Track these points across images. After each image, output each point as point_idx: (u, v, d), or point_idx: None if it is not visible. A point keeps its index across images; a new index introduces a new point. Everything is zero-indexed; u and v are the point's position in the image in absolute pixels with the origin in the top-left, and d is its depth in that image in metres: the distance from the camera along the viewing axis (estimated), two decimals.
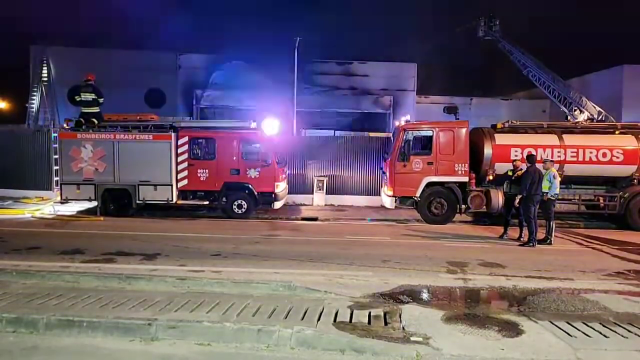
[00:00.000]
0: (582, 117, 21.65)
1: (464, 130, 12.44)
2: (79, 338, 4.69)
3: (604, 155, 12.14)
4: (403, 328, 4.87)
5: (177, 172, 12.75)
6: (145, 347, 4.55)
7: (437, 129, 12.55)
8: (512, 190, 10.42)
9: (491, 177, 12.27)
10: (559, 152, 12.17)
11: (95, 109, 13.12)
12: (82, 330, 4.74)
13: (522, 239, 10.10)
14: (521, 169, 10.39)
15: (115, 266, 7.40)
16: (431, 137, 12.48)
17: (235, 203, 12.83)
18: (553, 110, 27.04)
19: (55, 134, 13.21)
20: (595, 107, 22.16)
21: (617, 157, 12.14)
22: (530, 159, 10.11)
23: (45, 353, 4.39)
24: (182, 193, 12.95)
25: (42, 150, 15.57)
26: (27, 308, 5.12)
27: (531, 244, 9.67)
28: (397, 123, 13.77)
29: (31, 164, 15.74)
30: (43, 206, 13.78)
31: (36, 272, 6.60)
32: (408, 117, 13.65)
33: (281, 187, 13.28)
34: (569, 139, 12.36)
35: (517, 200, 10.01)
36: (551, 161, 10.60)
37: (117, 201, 12.77)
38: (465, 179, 12.33)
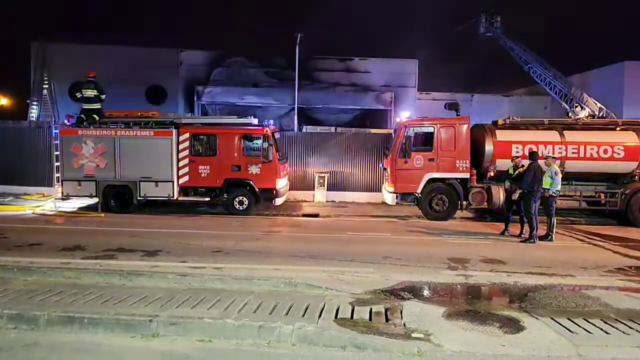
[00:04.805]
0: (583, 114, 21.60)
1: (465, 127, 12.41)
2: (80, 334, 4.69)
3: (605, 151, 12.12)
4: (404, 324, 4.87)
5: (178, 169, 12.74)
6: (146, 343, 4.55)
7: (438, 125, 12.52)
8: (513, 187, 10.40)
9: (492, 174, 12.25)
10: (560, 148, 12.14)
11: (96, 106, 13.11)
12: (83, 327, 4.75)
13: (523, 236, 10.09)
14: (522, 166, 10.37)
15: (116, 262, 7.41)
16: (432, 133, 12.46)
17: (237, 199, 12.82)
18: (554, 107, 26.98)
19: (56, 131, 13.18)
20: (596, 104, 22.11)
21: (618, 154, 12.11)
22: (533, 155, 10.08)
23: (46, 349, 4.40)
24: (183, 189, 12.95)
25: (43, 147, 15.55)
26: (28, 304, 5.12)
27: (532, 241, 9.66)
28: (398, 119, 13.75)
29: (32, 160, 15.72)
30: (44, 202, 13.78)
31: (37, 268, 6.61)
32: (409, 114, 13.62)
33: (282, 183, 13.26)
34: (570, 136, 12.34)
35: (516, 195, 10.02)
36: (553, 158, 10.58)
37: (118, 197, 12.77)
38: (467, 175, 12.32)
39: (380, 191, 14.63)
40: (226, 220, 12.17)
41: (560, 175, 10.11)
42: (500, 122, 12.89)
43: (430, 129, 12.53)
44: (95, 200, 12.94)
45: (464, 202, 12.46)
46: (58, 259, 7.50)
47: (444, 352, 4.29)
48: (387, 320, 5.00)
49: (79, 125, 12.96)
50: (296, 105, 22.33)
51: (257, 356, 4.34)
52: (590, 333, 4.78)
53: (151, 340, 4.60)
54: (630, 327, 4.93)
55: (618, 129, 12.72)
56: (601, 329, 4.88)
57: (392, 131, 15.26)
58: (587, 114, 21.48)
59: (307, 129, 20.30)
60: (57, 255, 7.82)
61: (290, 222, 12.34)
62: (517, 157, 10.99)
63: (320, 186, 15.60)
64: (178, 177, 12.75)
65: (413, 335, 4.59)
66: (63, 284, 5.97)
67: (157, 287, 5.92)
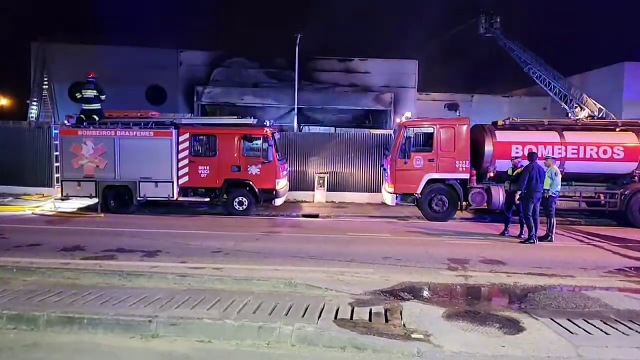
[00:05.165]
0: (582, 114, 21.61)
1: (464, 127, 12.41)
2: (80, 335, 4.69)
3: (605, 152, 12.13)
4: (404, 325, 4.87)
5: (178, 169, 12.74)
6: (146, 344, 4.55)
7: (438, 125, 12.52)
8: (512, 187, 10.44)
9: (492, 174, 12.26)
10: (559, 149, 12.15)
11: (96, 106, 13.12)
12: (83, 327, 4.74)
13: (522, 236, 10.09)
14: (520, 166, 10.39)
15: (116, 263, 7.40)
16: (432, 133, 12.46)
17: (236, 200, 12.82)
18: (554, 108, 27.00)
19: (56, 131, 13.18)
20: (595, 104, 22.13)
21: (618, 154, 12.12)
22: (531, 156, 10.10)
23: (46, 350, 4.40)
24: (183, 190, 12.95)
25: (43, 147, 15.54)
26: (27, 305, 5.12)
27: (532, 241, 9.66)
28: (397, 120, 13.75)
29: (32, 160, 15.71)
30: (44, 203, 13.78)
31: (37, 268, 6.60)
32: (409, 114, 13.62)
33: (282, 184, 13.26)
34: (569, 136, 12.35)
35: (517, 197, 10.03)
36: (553, 158, 10.59)
37: (117, 198, 12.76)
38: (466, 175, 12.32)
39: (380, 192, 14.63)
40: (226, 220, 12.16)
41: (560, 176, 10.13)
42: (500, 122, 12.90)
43: (430, 130, 12.53)
44: (95, 200, 12.94)
45: (464, 203, 12.46)
46: (57, 259, 7.50)
47: (443, 352, 4.29)
48: (386, 320, 5.00)
49: (78, 126, 12.96)
50: (296, 106, 22.32)
51: (256, 357, 4.34)
52: (590, 334, 4.78)
53: (151, 340, 4.60)
54: (630, 328, 4.94)
55: (617, 129, 12.73)
56: (601, 330, 4.88)
57: (391, 132, 15.27)
58: (586, 115, 21.49)
59: (307, 129, 20.33)
60: (57, 255, 7.81)
61: (290, 222, 12.33)
62: (517, 157, 11.01)
63: (320, 186, 15.60)
64: (178, 178, 12.75)
65: (413, 336, 4.59)
66: (62, 285, 5.96)
67: (156, 288, 5.92)
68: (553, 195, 9.96)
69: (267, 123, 13.17)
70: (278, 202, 13.13)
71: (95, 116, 12.99)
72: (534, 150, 10.97)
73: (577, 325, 4.98)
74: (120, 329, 4.72)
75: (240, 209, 12.81)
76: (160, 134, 12.71)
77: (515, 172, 10.47)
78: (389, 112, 24.76)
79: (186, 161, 12.79)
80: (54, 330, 4.75)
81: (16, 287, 5.81)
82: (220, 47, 25.94)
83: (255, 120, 13.41)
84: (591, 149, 12.15)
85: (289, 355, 4.37)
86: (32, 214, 12.60)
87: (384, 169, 13.74)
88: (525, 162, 10.23)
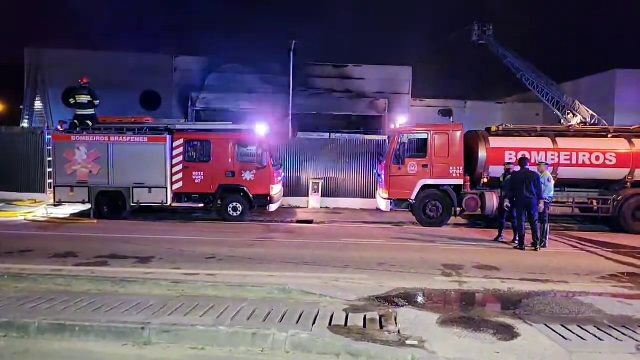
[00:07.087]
0: (575, 121, 21.82)
1: (458, 133, 12.49)
2: (71, 342, 4.63)
3: (597, 158, 12.23)
4: (398, 331, 4.86)
5: (172, 175, 12.70)
6: (139, 351, 4.50)
7: (432, 132, 12.59)
8: (502, 193, 10.59)
9: (486, 180, 12.33)
10: (552, 155, 12.24)
11: (90, 111, 13.07)
12: (75, 335, 4.68)
13: (516, 242, 10.13)
14: (512, 173, 10.47)
15: (109, 269, 7.34)
16: (426, 140, 12.52)
17: (230, 206, 12.79)
18: (546, 114, 27.25)
19: (49, 136, 13.10)
20: (588, 111, 22.35)
21: (610, 160, 12.22)
22: (522, 162, 10.15)
23: (37, 357, 4.34)
24: (177, 196, 12.90)
25: (36, 153, 15.44)
26: (18, 312, 5.05)
27: (520, 247, 9.71)
28: (392, 126, 13.81)
29: (24, 166, 15.60)
30: (36, 209, 13.65)
31: (28, 275, 6.52)
32: (403, 120, 13.69)
33: (276, 189, 13.25)
34: (562, 142, 12.45)
35: (505, 203, 10.16)
36: (545, 164, 10.67)
37: (111, 204, 12.68)
38: (460, 181, 12.37)
39: (375, 197, 14.65)
40: (220, 226, 12.11)
41: (552, 182, 10.20)
42: (494, 128, 12.98)
43: (424, 136, 12.60)
44: (88, 206, 12.85)
45: (458, 209, 12.51)
46: (50, 265, 7.43)
47: (438, 359, 4.28)
48: (381, 327, 4.99)
49: (72, 131, 12.89)
50: (290, 112, 22.36)
51: None
52: (584, 340, 4.79)
53: (143, 348, 4.55)
54: (624, 334, 4.95)
55: (609, 136, 12.85)
56: (595, 336, 4.89)
57: (386, 138, 15.32)
58: (579, 121, 21.71)
59: (302, 135, 20.34)
60: (49, 262, 7.74)
61: (284, 228, 12.30)
62: (509, 163, 11.09)
63: (315, 192, 15.59)
64: (172, 184, 12.71)
65: (407, 342, 4.58)
66: (54, 291, 5.89)
67: (149, 295, 5.86)
68: (546, 201, 10.01)
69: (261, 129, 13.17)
70: (272, 207, 13.10)
71: (88, 122, 12.93)
72: (527, 156, 11.07)
73: (571, 331, 4.99)
74: (113, 336, 4.66)
75: (235, 214, 12.77)
76: (154, 140, 12.67)
77: (505, 179, 10.57)
78: (384, 118, 24.88)
79: (180, 167, 12.75)
80: (45, 337, 4.68)
81: (7, 294, 5.73)
82: (215, 52, 25.98)
83: (250, 125, 13.40)
84: (584, 155, 12.25)
85: None
86: (24, 220, 12.48)
87: (379, 175, 13.77)
88: (517, 168, 10.31)
